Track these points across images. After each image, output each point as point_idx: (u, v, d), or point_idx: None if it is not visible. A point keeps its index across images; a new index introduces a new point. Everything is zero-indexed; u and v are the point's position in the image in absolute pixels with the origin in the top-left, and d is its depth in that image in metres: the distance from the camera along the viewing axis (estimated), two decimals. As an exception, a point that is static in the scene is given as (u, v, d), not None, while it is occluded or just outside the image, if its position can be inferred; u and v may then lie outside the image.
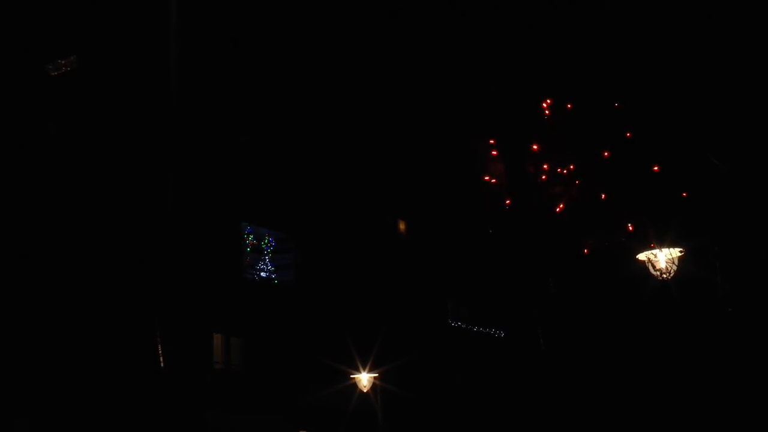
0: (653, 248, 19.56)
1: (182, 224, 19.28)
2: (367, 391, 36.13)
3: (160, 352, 18.96)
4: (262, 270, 39.03)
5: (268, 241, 39.47)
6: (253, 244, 38.81)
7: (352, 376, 36.22)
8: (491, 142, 30.14)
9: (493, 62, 23.53)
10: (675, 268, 19.51)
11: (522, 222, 22.58)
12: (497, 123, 23.84)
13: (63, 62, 34.20)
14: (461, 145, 48.52)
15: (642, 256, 19.80)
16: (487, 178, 32.07)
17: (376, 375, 36.08)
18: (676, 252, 19.51)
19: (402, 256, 45.10)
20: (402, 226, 46.71)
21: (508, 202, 29.57)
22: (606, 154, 31.61)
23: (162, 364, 18.83)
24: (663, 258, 19.50)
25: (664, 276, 19.58)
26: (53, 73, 34.32)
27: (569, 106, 35.92)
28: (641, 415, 42.25)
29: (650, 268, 19.72)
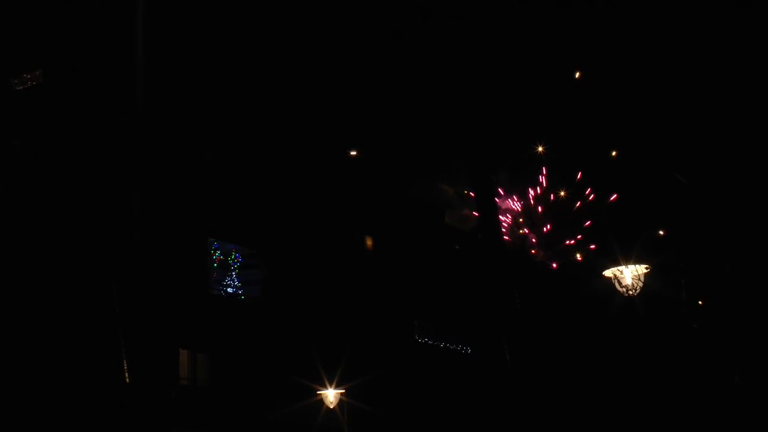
0: (619, 264, 19.70)
1: (148, 240, 19.24)
2: (334, 408, 36.04)
3: (126, 367, 18.89)
4: (229, 286, 38.89)
5: (235, 257, 39.35)
6: (219, 259, 38.67)
7: (318, 392, 36.10)
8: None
9: (466, 94, 23.69)
10: (641, 284, 19.64)
11: (488, 239, 22.67)
12: (467, 152, 23.98)
13: (28, 76, 34.01)
14: (429, 161, 48.74)
15: (608, 273, 19.93)
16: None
17: (343, 391, 35.98)
18: (642, 268, 19.64)
19: (369, 272, 45.07)
20: (369, 242, 46.70)
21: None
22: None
23: (127, 380, 18.75)
24: (629, 274, 19.62)
25: (630, 292, 19.71)
26: (18, 88, 34.11)
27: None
28: (608, 429, 42.45)
29: (616, 284, 19.84)
